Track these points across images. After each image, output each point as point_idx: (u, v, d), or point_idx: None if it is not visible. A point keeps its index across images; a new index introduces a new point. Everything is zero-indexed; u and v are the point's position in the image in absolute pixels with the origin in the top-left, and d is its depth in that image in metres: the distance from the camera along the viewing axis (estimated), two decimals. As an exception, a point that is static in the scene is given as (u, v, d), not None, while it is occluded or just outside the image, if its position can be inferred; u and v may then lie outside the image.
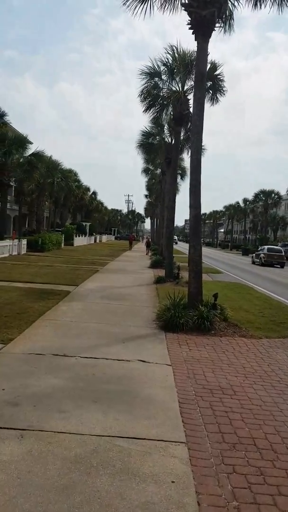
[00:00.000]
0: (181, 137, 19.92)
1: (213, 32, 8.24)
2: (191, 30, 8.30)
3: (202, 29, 7.98)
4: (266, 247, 34.34)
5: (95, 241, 57.64)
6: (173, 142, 20.51)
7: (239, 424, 4.22)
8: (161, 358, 6.09)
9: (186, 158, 36.29)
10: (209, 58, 9.75)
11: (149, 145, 21.41)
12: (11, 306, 8.71)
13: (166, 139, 21.66)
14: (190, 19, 8.14)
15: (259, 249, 35.22)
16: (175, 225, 20.97)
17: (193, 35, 8.28)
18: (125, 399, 4.52)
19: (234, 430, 4.05)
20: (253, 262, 33.23)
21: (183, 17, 15.14)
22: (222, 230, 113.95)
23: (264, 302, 12.57)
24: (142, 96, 15.94)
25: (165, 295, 11.99)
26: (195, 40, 8.27)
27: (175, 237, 73.94)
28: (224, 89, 15.22)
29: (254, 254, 35.19)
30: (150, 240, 52.93)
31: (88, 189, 55.22)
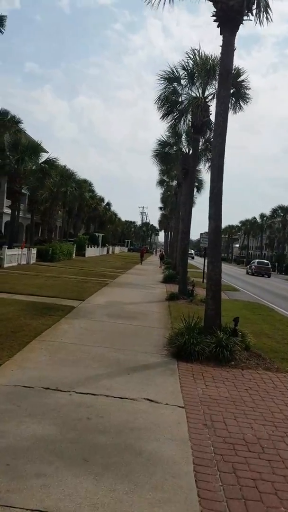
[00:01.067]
0: (200, 147, 19.13)
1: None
2: (216, 24, 7.48)
3: (228, 21, 7.15)
4: (256, 260, 46.96)
5: (107, 252, 56.94)
6: (190, 152, 19.70)
7: (272, 501, 3.20)
8: (172, 396, 5.08)
9: (204, 170, 35.30)
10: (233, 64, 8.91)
11: (165, 154, 20.62)
12: (6, 323, 7.82)
13: (183, 149, 20.88)
14: (215, 10, 7.32)
15: (251, 262, 47.03)
16: (189, 239, 20.15)
17: (219, 29, 7.45)
18: (125, 458, 3.53)
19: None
20: (247, 272, 42.33)
21: (204, 17, 14.47)
22: (237, 245, 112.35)
23: None
24: (160, 102, 15.17)
25: (178, 315, 10.98)
26: (221, 34, 7.44)
27: (192, 251, 68.55)
28: (248, 96, 14.37)
29: (247, 266, 45.91)
30: (163, 252, 52.05)
31: (102, 199, 54.79)
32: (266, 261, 47.35)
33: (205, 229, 21.44)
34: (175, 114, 15.28)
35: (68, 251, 30.72)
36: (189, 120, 15.02)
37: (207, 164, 20.75)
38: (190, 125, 14.88)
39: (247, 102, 14.53)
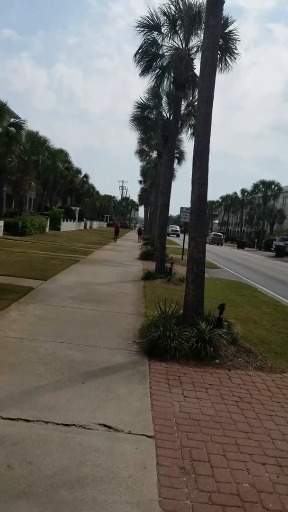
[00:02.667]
0: (182, 111, 17.42)
1: None
2: None
3: None
4: (212, 233, 64.00)
5: (85, 227, 54.95)
6: (171, 116, 17.99)
7: None
8: (138, 418, 3.74)
9: (186, 140, 33.66)
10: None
11: (144, 119, 18.77)
12: None
13: (164, 114, 19.09)
14: None
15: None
16: (169, 215, 18.58)
17: None
18: None
19: None
20: (167, 234, 61.42)
21: None
22: (217, 222, 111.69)
23: (275, 309, 10.30)
24: (138, 56, 13.33)
25: (154, 297, 9.63)
26: None
27: (177, 228, 66.05)
28: (236, 51, 12.70)
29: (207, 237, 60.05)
30: (142, 228, 50.80)
31: (79, 171, 52.30)
32: (219, 233, 67.08)
33: (187, 204, 19.78)
34: (156, 70, 13.49)
35: (41, 224, 28.82)
36: (171, 77, 13.26)
37: (190, 131, 19.12)
38: (171, 84, 13.12)
39: (234, 58, 12.88)
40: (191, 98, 17.56)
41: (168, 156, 13.55)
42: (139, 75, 13.25)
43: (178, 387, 4.58)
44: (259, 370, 5.44)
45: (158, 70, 13.20)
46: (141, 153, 31.93)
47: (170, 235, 54.07)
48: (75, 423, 3.49)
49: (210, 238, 54.07)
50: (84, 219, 58.46)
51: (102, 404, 3.91)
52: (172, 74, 12.97)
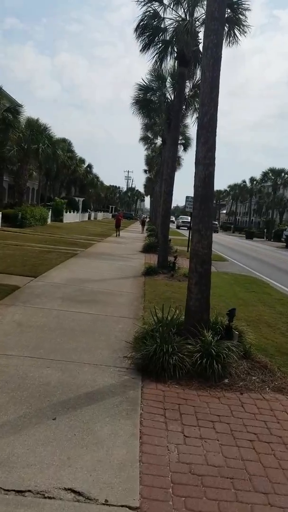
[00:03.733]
0: (187, 93, 16.25)
1: None
2: None
3: None
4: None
5: (89, 218, 53.91)
6: (175, 97, 16.81)
7: None
8: (121, 475, 2.78)
9: (191, 124, 32.21)
10: None
11: (147, 102, 17.57)
12: None
13: (168, 96, 17.90)
14: None
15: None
16: (175, 206, 17.26)
17: None
18: None
19: None
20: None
21: None
22: (225, 212, 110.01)
23: (290, 308, 9.25)
24: (139, 30, 12.19)
25: (154, 296, 8.64)
26: None
27: (188, 219, 54.16)
28: (246, 23, 11.51)
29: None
30: (145, 218, 49.84)
31: (82, 161, 50.96)
32: (215, 222, 57.12)
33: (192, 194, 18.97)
34: (158, 46, 12.33)
35: (41, 216, 27.86)
36: (175, 52, 12.08)
37: (195, 115, 17.94)
38: (175, 57, 11.94)
39: (244, 32, 11.70)
40: (196, 78, 16.42)
41: (171, 139, 12.44)
42: (140, 51, 12.12)
43: (177, 421, 3.61)
44: (278, 392, 4.45)
45: (160, 45, 12.04)
46: (145, 140, 30.75)
47: (181, 228, 48.98)
48: (31, 488, 2.54)
49: (178, 222, 53.82)
50: (88, 210, 57.43)
51: (75, 453, 2.95)
52: (175, 49, 11.79)
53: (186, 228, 48.30)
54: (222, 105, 5.27)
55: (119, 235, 27.73)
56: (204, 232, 4.91)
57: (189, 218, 53.45)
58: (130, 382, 4.26)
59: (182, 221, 54.06)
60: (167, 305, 7.80)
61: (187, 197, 20.00)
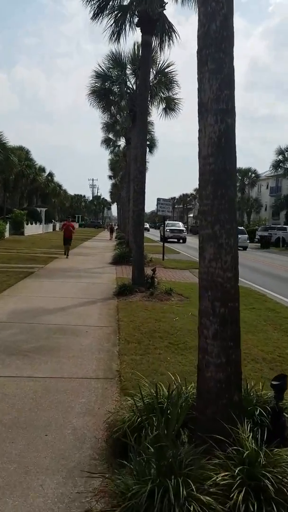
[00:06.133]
0: (152, 81, 14.13)
1: None
2: None
3: None
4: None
5: (53, 229, 50.84)
6: (138, 87, 14.66)
7: None
8: None
9: (156, 118, 30.15)
10: None
11: (106, 92, 15.32)
12: None
13: (129, 84, 15.72)
14: None
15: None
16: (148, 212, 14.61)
17: None
18: None
19: None
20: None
21: None
22: (192, 215, 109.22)
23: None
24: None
25: (132, 330, 6.26)
26: None
27: (180, 226, 38.50)
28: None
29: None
30: (113, 225, 47.76)
31: (42, 169, 47.92)
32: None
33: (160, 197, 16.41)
34: (114, 12, 10.08)
35: (-3, 229, 24.91)
36: (135, 16, 9.82)
37: (162, 106, 15.86)
38: (137, 24, 9.69)
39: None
40: (162, 59, 14.33)
41: (139, 126, 10.09)
42: (91, 19, 9.86)
43: None
44: None
45: (116, 10, 9.79)
46: (107, 142, 28.53)
47: (170, 240, 32.20)
48: None
49: (168, 231, 31.86)
50: (53, 220, 54.36)
51: None
52: (136, 13, 9.56)
53: (178, 241, 33.95)
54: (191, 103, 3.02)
55: (68, 255, 17.52)
56: (224, 240, 2.61)
57: (181, 224, 38.67)
58: None
59: (169, 229, 33.65)
60: (152, 344, 5.47)
61: (158, 199, 17.77)
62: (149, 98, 14.62)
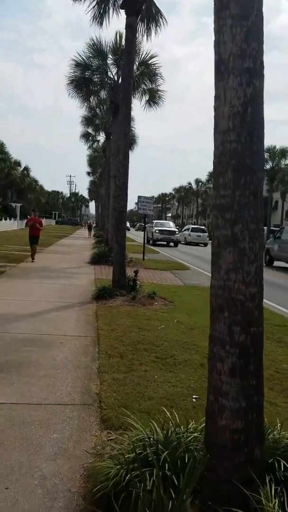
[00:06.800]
0: (134, 72, 13.44)
1: None
2: None
3: None
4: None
5: (29, 225, 49.38)
6: (119, 78, 13.97)
7: None
8: None
9: (137, 111, 29.37)
10: None
11: (86, 81, 14.52)
12: None
13: (110, 75, 14.98)
14: None
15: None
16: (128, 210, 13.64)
17: None
18: None
19: None
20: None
21: None
22: (170, 215, 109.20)
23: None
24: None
25: (113, 341, 5.56)
26: None
27: (171, 226, 31.72)
28: None
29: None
30: (91, 223, 47.17)
31: (18, 163, 46.44)
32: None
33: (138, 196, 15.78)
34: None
35: None
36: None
37: (145, 98, 15.19)
38: (121, 5, 8.96)
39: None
40: (143, 54, 13.69)
41: (123, 116, 9.31)
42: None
43: None
44: None
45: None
46: (86, 137, 27.66)
47: (158, 242, 27.63)
48: None
49: (156, 232, 28.57)
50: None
51: None
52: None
53: (168, 243, 28.18)
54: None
55: (33, 258, 13.91)
56: (247, 244, 1.96)
57: (172, 224, 32.08)
58: None
59: (160, 230, 28.50)
60: (136, 358, 4.80)
61: (139, 197, 17.08)
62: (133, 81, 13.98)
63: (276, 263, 18.69)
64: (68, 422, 3.32)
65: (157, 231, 28.63)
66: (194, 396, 3.84)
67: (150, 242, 27.85)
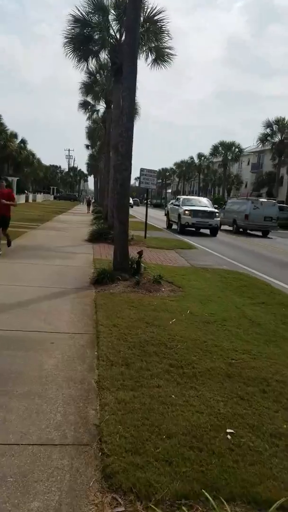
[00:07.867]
0: (141, 28, 12.00)
1: None
2: None
3: None
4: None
5: (26, 200, 47.91)
6: (122, 36, 12.56)
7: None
8: None
9: (144, 69, 27.77)
10: None
11: (85, 38, 13.04)
12: None
13: (112, 32, 13.49)
14: None
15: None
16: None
17: None
18: None
19: None
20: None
21: None
22: (170, 191, 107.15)
23: None
24: None
25: (117, 343, 4.53)
26: None
27: (201, 202, 22.02)
28: None
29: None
30: (90, 198, 46.06)
31: (14, 135, 44.45)
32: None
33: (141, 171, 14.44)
34: None
35: None
36: None
37: (151, 57, 13.75)
38: None
39: None
40: (149, 10, 12.24)
41: (129, 69, 7.89)
42: None
43: None
44: None
45: None
46: (85, 106, 26.02)
47: (188, 228, 20.04)
48: None
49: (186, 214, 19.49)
50: (26, 191, 51.37)
51: None
52: None
53: (197, 229, 20.38)
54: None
55: (10, 245, 10.55)
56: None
57: (206, 201, 22.96)
58: None
59: (193, 211, 19.73)
60: (146, 366, 3.81)
61: (142, 169, 15.84)
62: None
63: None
64: (55, 478, 2.34)
65: (187, 212, 19.61)
66: (228, 431, 2.85)
67: (174, 227, 21.22)
